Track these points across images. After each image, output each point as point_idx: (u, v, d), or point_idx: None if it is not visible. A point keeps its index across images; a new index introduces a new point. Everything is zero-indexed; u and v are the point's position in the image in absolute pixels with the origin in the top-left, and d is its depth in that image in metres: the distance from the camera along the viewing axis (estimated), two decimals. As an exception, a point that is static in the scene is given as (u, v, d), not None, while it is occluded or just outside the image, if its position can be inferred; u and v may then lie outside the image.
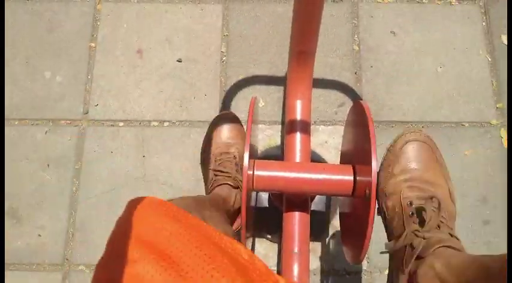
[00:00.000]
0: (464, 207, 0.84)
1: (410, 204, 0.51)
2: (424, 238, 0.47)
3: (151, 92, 0.92)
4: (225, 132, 0.78)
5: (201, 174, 0.81)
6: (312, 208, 0.78)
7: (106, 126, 0.90)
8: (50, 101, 0.92)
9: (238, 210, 0.69)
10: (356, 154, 0.57)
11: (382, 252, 0.52)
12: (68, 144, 0.90)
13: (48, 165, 0.88)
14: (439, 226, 0.48)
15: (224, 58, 0.95)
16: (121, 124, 0.90)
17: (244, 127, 0.81)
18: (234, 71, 0.94)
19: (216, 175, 0.73)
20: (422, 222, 0.49)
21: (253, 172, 0.56)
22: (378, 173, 0.55)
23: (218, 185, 0.71)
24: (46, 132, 0.90)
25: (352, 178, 0.56)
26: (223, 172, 0.72)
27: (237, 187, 0.72)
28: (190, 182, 0.86)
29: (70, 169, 0.88)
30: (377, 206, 0.53)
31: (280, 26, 0.96)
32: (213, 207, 0.57)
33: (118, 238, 0.34)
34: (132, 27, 0.97)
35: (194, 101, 0.91)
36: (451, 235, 0.48)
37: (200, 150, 0.81)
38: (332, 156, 0.85)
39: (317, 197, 0.78)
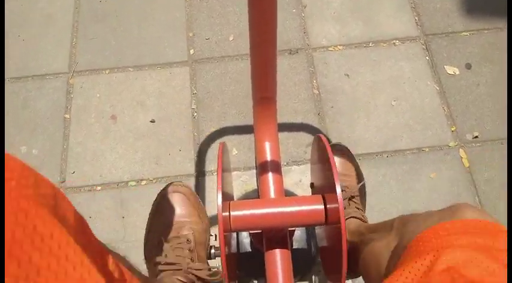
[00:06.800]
0: (440, 228, 0.87)
1: None
2: None
3: (127, 154, 0.95)
4: (176, 209, 0.62)
5: None
6: (294, 247, 0.80)
7: (83, 192, 0.92)
8: (27, 174, 0.94)
9: None
10: (323, 184, 0.61)
11: None
12: (47, 215, 0.90)
13: (27, 238, 0.88)
14: (349, 204, 0.70)
15: (195, 114, 1.00)
16: (98, 188, 0.92)
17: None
18: (206, 124, 0.99)
19: (160, 271, 0.57)
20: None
21: (230, 213, 0.59)
22: None
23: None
24: (24, 205, 0.91)
25: (322, 207, 0.59)
26: (169, 264, 0.56)
27: None
28: (172, 237, 0.87)
29: (50, 240, 0.87)
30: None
31: (243, 80, 1.04)
32: None
33: None
34: (105, 95, 1.03)
35: (169, 157, 0.94)
36: (358, 209, 0.71)
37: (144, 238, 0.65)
38: (307, 193, 0.88)
39: (297, 234, 0.79)
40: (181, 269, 0.56)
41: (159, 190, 0.69)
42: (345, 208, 0.69)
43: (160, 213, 0.63)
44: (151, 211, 0.65)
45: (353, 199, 0.72)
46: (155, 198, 0.66)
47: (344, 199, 0.71)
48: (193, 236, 0.61)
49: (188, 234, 0.61)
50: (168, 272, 0.56)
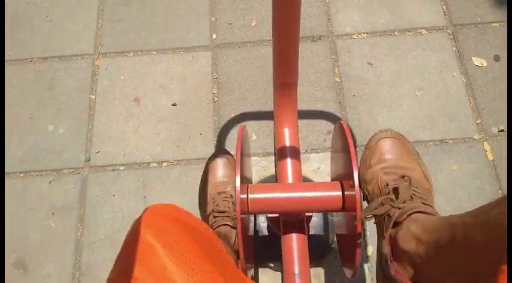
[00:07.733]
0: (459, 221, 0.86)
1: (387, 185, 0.57)
2: (399, 208, 0.53)
3: (149, 136, 0.97)
4: (220, 170, 0.79)
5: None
6: (310, 233, 0.81)
7: (107, 171, 0.94)
8: (54, 152, 0.97)
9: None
10: (342, 171, 0.61)
11: (365, 217, 0.55)
12: (71, 192, 0.93)
13: (53, 213, 0.91)
14: (412, 198, 0.54)
15: (216, 99, 1.01)
16: (122, 168, 0.94)
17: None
18: (226, 109, 0.99)
19: (214, 216, 0.72)
20: (397, 197, 0.55)
21: (248, 195, 0.60)
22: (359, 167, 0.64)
23: (217, 227, 0.70)
24: (50, 182, 0.94)
25: (340, 193, 0.59)
26: (220, 212, 0.72)
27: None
28: (191, 218, 0.88)
29: (74, 216, 0.91)
30: (361, 193, 0.59)
31: (265, 66, 1.03)
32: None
33: (131, 238, 0.38)
34: (129, 78, 1.04)
35: (190, 141, 0.96)
36: (424, 204, 0.54)
37: (198, 191, 0.82)
38: (326, 180, 0.88)
39: (314, 220, 0.80)
40: (229, 216, 0.71)
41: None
42: (404, 202, 0.54)
43: (208, 175, 0.79)
44: (203, 174, 0.82)
45: (417, 194, 0.56)
46: (207, 161, 0.83)
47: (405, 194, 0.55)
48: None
49: (231, 191, 0.75)
50: (220, 218, 0.72)
